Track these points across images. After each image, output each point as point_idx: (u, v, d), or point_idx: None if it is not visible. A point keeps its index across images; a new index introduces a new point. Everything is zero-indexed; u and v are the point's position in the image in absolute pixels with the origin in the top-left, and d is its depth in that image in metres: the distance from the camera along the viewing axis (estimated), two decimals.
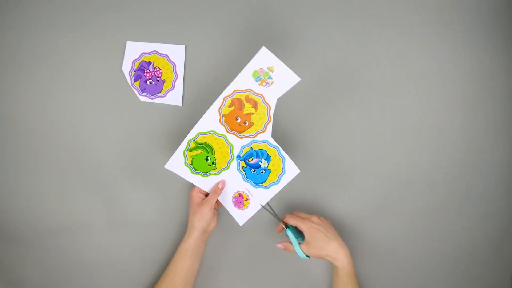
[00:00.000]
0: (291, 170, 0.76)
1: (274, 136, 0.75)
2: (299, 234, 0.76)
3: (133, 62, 0.83)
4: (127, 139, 0.84)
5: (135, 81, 0.83)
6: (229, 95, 0.73)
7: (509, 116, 0.82)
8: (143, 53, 0.83)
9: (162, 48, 0.83)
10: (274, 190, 0.77)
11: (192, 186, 0.81)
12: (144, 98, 0.83)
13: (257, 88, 0.72)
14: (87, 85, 0.83)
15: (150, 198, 0.84)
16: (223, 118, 0.75)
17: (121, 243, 0.84)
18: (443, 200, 0.83)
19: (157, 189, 0.84)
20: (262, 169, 0.77)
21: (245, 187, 0.78)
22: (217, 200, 0.79)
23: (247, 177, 0.78)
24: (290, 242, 0.76)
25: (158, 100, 0.83)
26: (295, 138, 0.83)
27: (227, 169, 0.77)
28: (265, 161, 0.76)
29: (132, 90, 0.83)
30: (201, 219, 0.75)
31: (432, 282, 0.84)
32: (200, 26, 0.83)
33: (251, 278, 0.85)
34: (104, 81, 0.83)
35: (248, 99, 0.73)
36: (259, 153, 0.77)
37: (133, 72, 0.83)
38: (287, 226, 0.77)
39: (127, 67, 0.83)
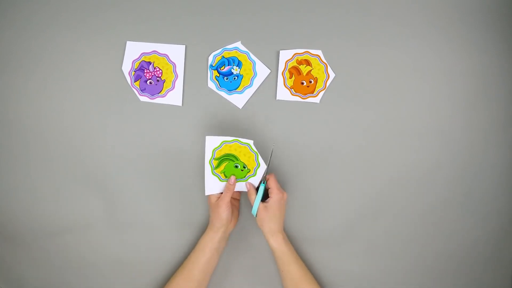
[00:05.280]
0: (263, 71, 0.80)
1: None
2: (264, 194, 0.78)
3: (133, 62, 0.83)
4: (127, 139, 0.84)
5: (135, 81, 0.83)
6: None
7: (510, 116, 0.82)
8: (143, 53, 0.83)
9: (162, 48, 0.83)
10: (249, 93, 0.81)
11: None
12: (144, 98, 0.83)
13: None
14: (86, 85, 0.83)
15: (150, 198, 0.84)
16: None
17: (121, 243, 0.84)
18: (443, 200, 0.83)
19: (157, 189, 0.84)
20: (234, 76, 0.80)
21: None
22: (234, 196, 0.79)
23: (221, 85, 0.81)
24: (255, 193, 0.76)
25: (158, 100, 0.83)
26: (295, 137, 0.83)
27: (254, 176, 0.77)
28: (237, 67, 0.79)
29: (132, 90, 0.83)
30: (218, 218, 0.75)
31: (432, 282, 0.84)
32: (200, 26, 0.83)
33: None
34: (104, 81, 0.83)
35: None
36: (230, 61, 0.80)
37: (133, 72, 0.83)
38: (264, 182, 0.77)
39: (127, 67, 0.83)
